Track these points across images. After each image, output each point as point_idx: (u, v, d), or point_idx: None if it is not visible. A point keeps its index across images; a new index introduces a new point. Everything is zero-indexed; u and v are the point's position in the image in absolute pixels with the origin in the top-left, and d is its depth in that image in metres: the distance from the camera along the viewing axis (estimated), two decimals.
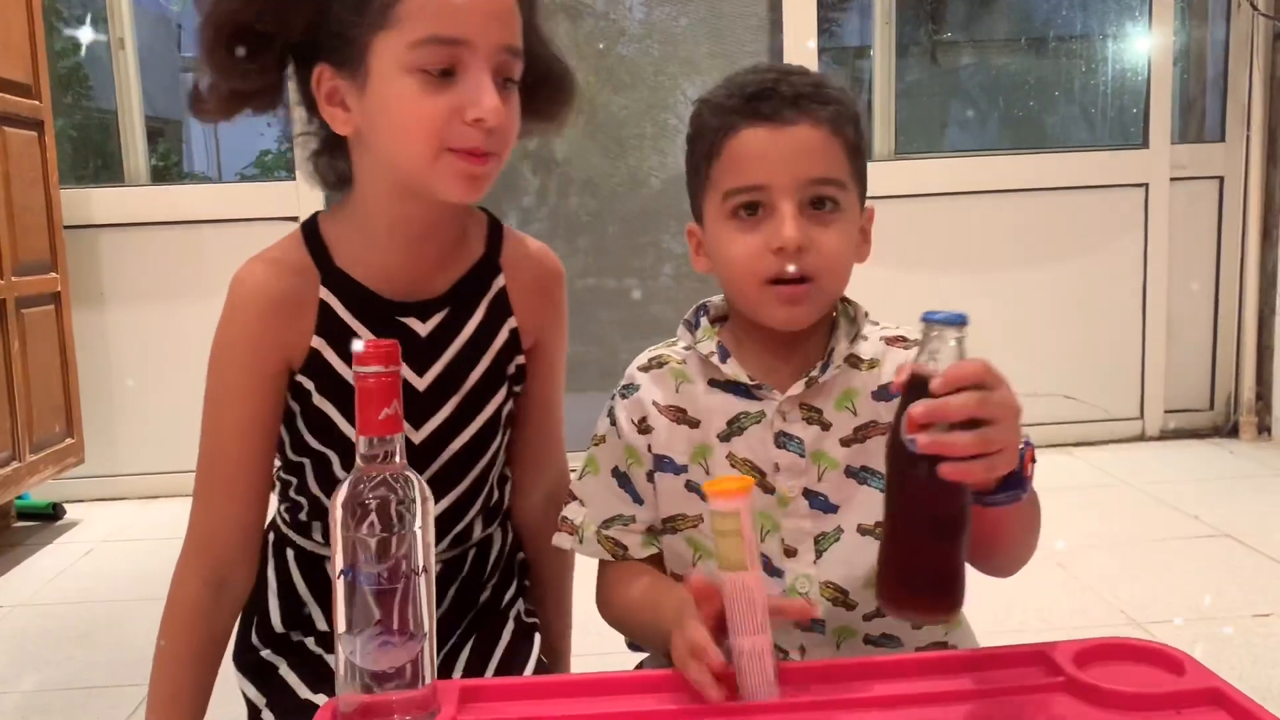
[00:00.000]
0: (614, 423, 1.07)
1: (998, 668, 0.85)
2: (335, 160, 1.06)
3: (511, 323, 1.10)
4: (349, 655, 0.76)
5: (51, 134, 2.95)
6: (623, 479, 1.06)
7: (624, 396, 1.06)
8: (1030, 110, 4.03)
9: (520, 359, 1.12)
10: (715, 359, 1.03)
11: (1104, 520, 2.80)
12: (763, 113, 0.98)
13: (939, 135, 4.07)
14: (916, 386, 0.77)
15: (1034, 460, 0.85)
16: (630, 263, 3.68)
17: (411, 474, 0.78)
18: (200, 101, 1.02)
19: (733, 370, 1.02)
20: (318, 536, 1.08)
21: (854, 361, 1.04)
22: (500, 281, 1.10)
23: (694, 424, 1.03)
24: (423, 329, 1.05)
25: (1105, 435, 3.56)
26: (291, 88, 1.04)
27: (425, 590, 0.77)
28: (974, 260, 3.52)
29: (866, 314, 1.07)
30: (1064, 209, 3.53)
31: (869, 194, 1.06)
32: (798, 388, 1.00)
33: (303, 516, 1.09)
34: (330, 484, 1.05)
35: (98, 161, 3.75)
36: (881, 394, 1.02)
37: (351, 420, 0.98)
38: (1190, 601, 2.23)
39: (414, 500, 0.77)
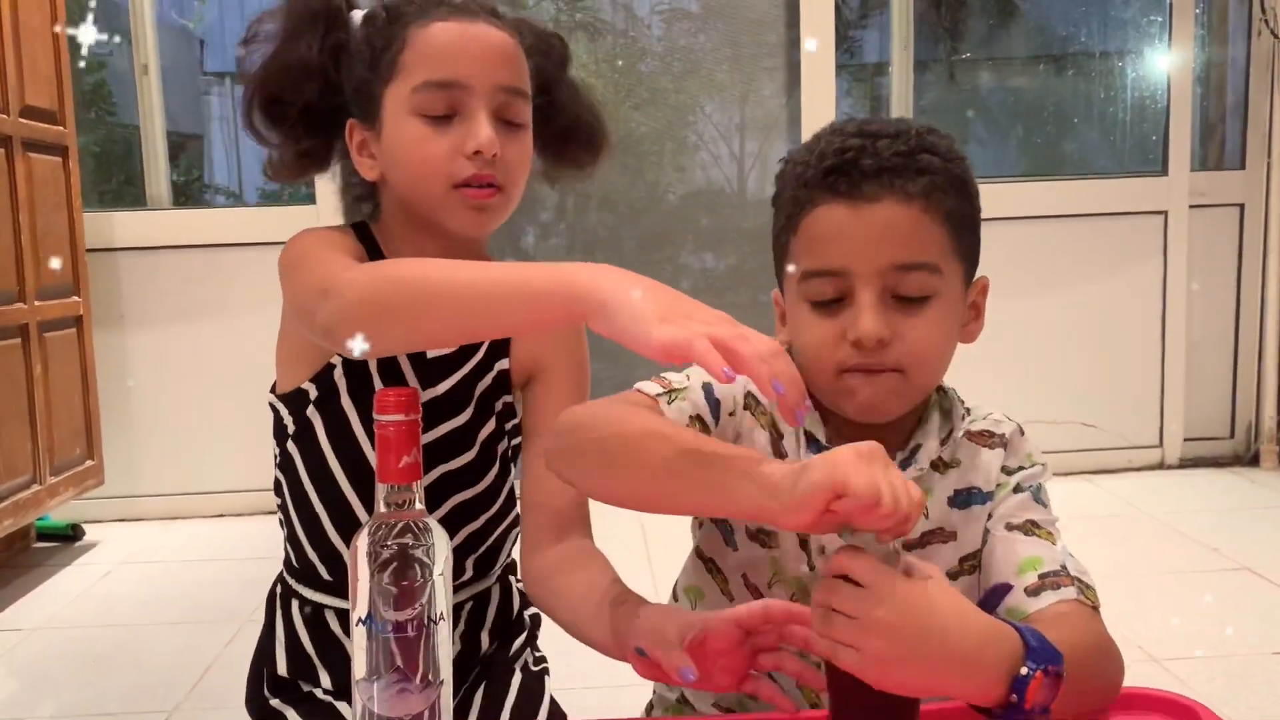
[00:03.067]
0: (711, 390, 0.96)
1: None
2: (368, 206, 1.12)
3: (503, 364, 1.11)
4: (366, 702, 0.77)
5: (76, 159, 2.99)
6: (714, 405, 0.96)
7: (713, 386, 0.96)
8: (1048, 134, 4.02)
9: (508, 397, 1.12)
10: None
11: (1122, 551, 2.79)
12: (840, 189, 0.89)
13: None
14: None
15: (1051, 676, 0.72)
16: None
17: (431, 521, 0.78)
18: (272, 168, 1.11)
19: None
20: (325, 576, 1.08)
21: (937, 463, 0.96)
22: None
23: (782, 456, 0.95)
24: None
25: (1124, 463, 3.55)
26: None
27: (443, 638, 0.78)
28: (993, 287, 3.49)
29: (966, 411, 0.99)
30: (1082, 236, 3.52)
31: None
32: None
33: (311, 557, 1.08)
34: (349, 523, 1.04)
35: (120, 177, 3.78)
36: (957, 500, 0.95)
37: (370, 431, 0.96)
38: (1208, 637, 2.21)
39: (433, 547, 0.77)
